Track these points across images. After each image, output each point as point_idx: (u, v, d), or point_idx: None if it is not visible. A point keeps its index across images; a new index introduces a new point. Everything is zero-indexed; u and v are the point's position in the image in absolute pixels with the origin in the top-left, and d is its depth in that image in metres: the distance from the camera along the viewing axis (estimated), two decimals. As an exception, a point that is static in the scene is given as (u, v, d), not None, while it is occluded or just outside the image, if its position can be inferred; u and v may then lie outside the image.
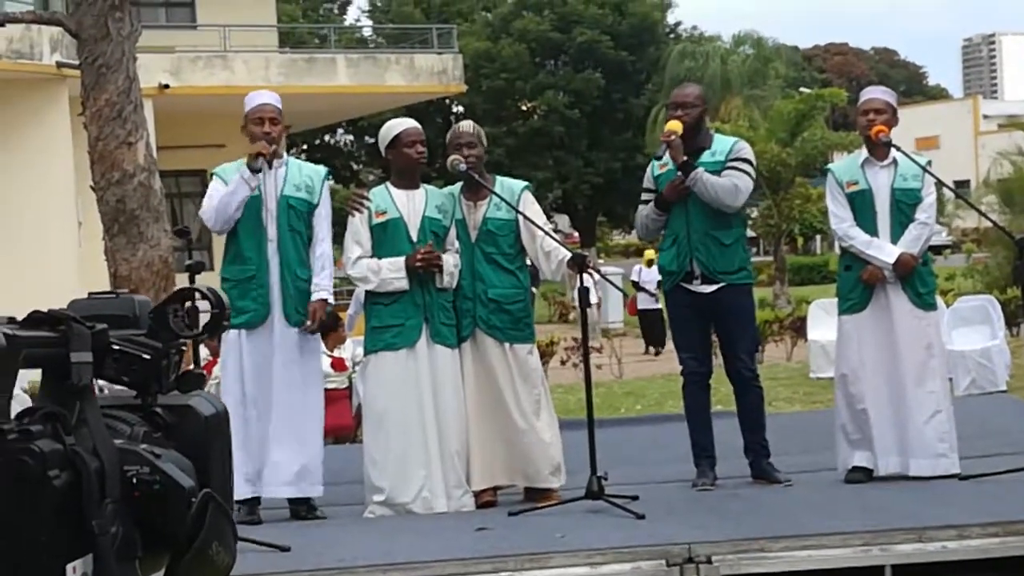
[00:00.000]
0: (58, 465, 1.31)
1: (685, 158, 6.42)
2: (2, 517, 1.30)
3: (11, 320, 1.37)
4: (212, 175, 6.36)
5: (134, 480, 1.37)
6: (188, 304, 1.47)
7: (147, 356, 1.44)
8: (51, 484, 1.30)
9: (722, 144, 6.66)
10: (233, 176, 6.23)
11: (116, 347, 1.43)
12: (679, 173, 6.45)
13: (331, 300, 6.39)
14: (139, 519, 1.37)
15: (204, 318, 1.60)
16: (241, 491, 6.09)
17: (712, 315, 6.56)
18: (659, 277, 17.62)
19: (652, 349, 20.32)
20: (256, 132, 6.22)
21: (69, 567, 1.32)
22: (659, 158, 6.47)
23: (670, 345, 16.98)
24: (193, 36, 23.48)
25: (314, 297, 6.26)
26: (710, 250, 6.47)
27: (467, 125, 6.69)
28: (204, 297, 1.52)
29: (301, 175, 6.38)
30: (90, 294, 1.51)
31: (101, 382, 1.45)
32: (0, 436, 1.30)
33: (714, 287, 6.48)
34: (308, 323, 6.26)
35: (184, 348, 1.51)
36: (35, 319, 1.38)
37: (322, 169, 6.62)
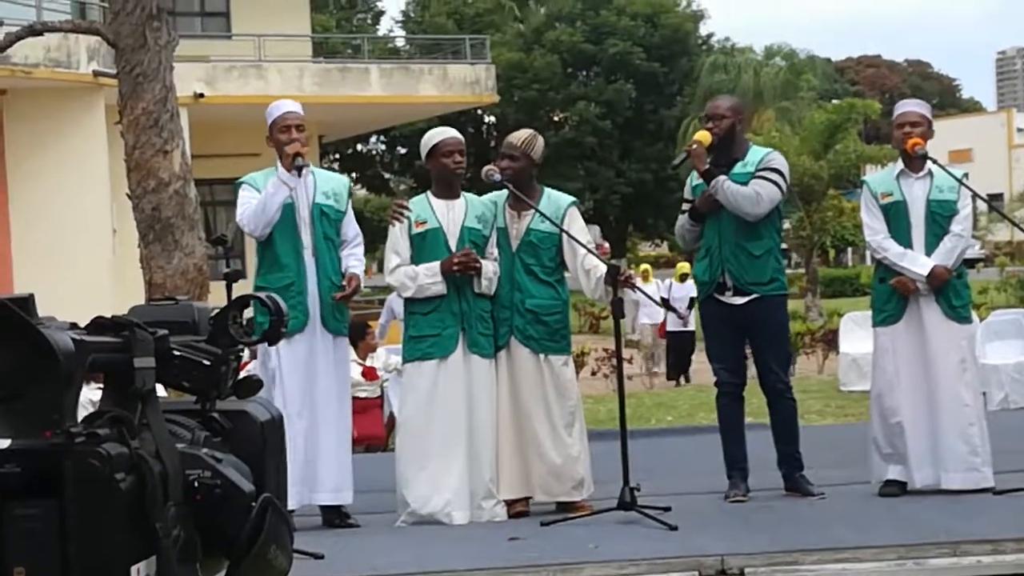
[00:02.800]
0: (124, 468, 1.33)
1: (707, 167, 6.43)
2: (70, 519, 1.32)
3: (74, 325, 1.39)
4: (240, 184, 6.40)
5: (196, 484, 1.39)
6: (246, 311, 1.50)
7: (207, 362, 1.46)
8: (117, 487, 1.32)
9: (756, 155, 6.66)
10: (262, 184, 6.29)
11: (177, 352, 1.45)
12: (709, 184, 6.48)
13: (362, 277, 6.42)
14: (200, 522, 1.39)
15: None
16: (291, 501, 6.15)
17: (745, 327, 6.55)
18: (692, 293, 17.49)
19: (675, 378, 17.98)
20: (283, 139, 6.27)
21: (133, 569, 1.34)
22: (675, 167, 6.50)
23: (700, 356, 16.93)
24: (228, 46, 23.65)
25: (349, 271, 6.33)
26: (740, 261, 6.47)
27: (516, 137, 6.59)
28: (263, 305, 1.54)
29: (329, 184, 6.46)
30: (150, 300, 1.54)
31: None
32: (68, 439, 1.32)
33: (745, 299, 6.48)
34: (344, 292, 6.28)
35: (242, 354, 1.53)
36: (99, 324, 1.41)
37: (345, 179, 6.74)
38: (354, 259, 6.40)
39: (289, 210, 6.27)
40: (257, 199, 6.25)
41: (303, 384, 6.24)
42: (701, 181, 6.58)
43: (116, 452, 1.35)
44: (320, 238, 6.30)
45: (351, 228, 6.46)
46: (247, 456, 1.46)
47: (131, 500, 1.35)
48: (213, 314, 1.51)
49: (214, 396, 1.49)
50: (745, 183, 6.45)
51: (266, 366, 6.31)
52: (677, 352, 18.09)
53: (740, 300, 6.47)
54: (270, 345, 2.94)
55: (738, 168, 6.50)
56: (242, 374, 5.88)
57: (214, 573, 1.45)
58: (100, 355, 1.38)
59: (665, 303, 19.10)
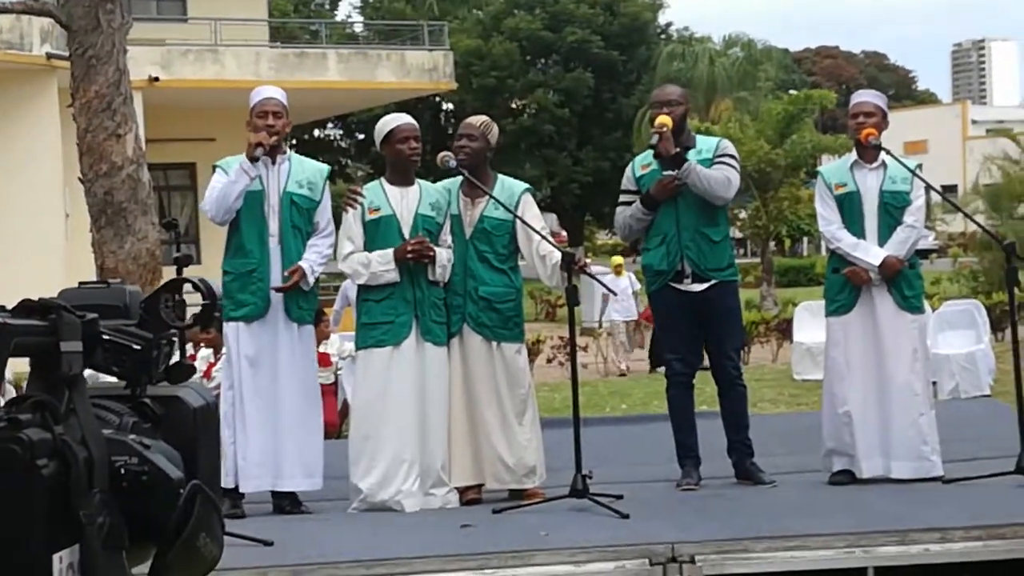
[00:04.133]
0: (46, 454, 1.30)
1: (677, 150, 6.43)
2: (-10, 506, 1.29)
3: (1, 308, 1.37)
4: (215, 167, 6.37)
5: (122, 471, 1.37)
6: (178, 295, 1.47)
7: (137, 346, 1.44)
8: (39, 473, 1.30)
9: (706, 143, 6.69)
10: (235, 168, 6.25)
11: (106, 337, 1.43)
12: (671, 170, 6.44)
13: (310, 275, 6.29)
14: (127, 510, 1.37)
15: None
16: (251, 484, 6.16)
17: (700, 314, 6.56)
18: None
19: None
20: (258, 125, 6.23)
21: (55, 557, 1.32)
22: (653, 146, 6.44)
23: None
24: (184, 29, 23.48)
25: (300, 262, 6.24)
26: (700, 248, 6.48)
27: (475, 118, 6.65)
28: (196, 288, 1.52)
29: (304, 172, 6.39)
30: (81, 283, 1.51)
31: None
32: (-12, 424, 1.30)
33: (704, 285, 6.50)
34: (284, 284, 6.19)
35: (175, 339, 1.51)
36: (25, 307, 1.38)
37: (324, 167, 6.64)
38: (314, 251, 6.32)
39: (258, 196, 6.23)
40: (220, 185, 6.23)
41: (265, 371, 6.21)
42: (646, 171, 6.58)
43: (39, 438, 1.33)
44: (288, 226, 6.26)
45: (323, 217, 6.41)
46: (179, 442, 1.44)
47: (54, 487, 1.32)
48: (144, 298, 1.48)
49: (145, 381, 1.47)
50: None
51: (230, 352, 6.29)
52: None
53: (699, 287, 6.49)
54: (202, 330, 2.91)
55: (692, 156, 6.51)
56: (214, 372, 5.82)
57: (141, 561, 1.42)
58: (24, 339, 1.35)
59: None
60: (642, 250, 6.85)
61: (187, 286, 1.54)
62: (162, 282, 1.52)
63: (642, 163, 6.67)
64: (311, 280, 6.30)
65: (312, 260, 6.29)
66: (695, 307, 6.51)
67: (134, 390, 1.47)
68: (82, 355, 1.40)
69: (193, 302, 1.59)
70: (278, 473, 6.21)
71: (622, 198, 6.70)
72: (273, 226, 6.26)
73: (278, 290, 6.21)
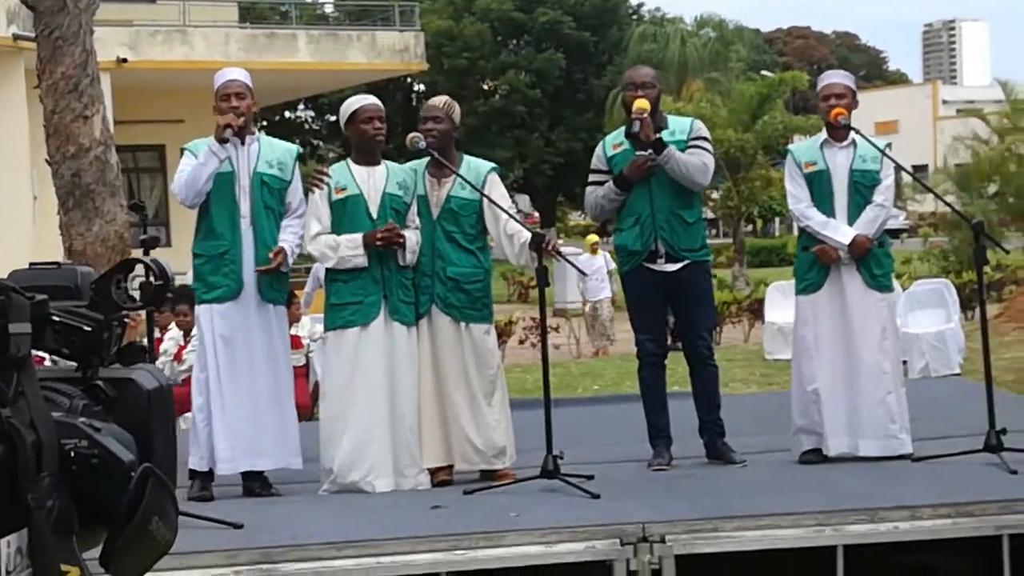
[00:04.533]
0: (-7, 437, 1.28)
1: (658, 136, 6.41)
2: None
3: (-51, 291, 1.34)
4: (183, 151, 6.34)
5: (72, 454, 1.35)
6: (140, 277, 1.45)
7: (88, 328, 1.42)
8: (-15, 456, 1.28)
9: (680, 124, 6.69)
10: (204, 151, 6.21)
11: (56, 318, 1.40)
12: (646, 152, 6.42)
13: (291, 256, 6.29)
14: (77, 493, 1.35)
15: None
16: (226, 466, 6.14)
17: (673, 294, 6.57)
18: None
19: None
20: (223, 108, 6.21)
21: (3, 541, 1.30)
22: (635, 134, 6.40)
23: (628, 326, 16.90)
24: (152, 10, 23.28)
25: (280, 243, 6.23)
26: (675, 228, 6.48)
27: (438, 100, 6.64)
28: (148, 268, 1.50)
29: (274, 152, 6.37)
30: (31, 264, 1.49)
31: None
32: (-66, 407, 1.27)
33: (678, 265, 6.50)
34: (268, 265, 6.18)
35: (127, 320, 1.48)
36: (-28, 289, 1.35)
37: (294, 147, 6.63)
38: (290, 231, 6.31)
39: (228, 177, 6.20)
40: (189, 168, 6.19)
41: (238, 353, 6.19)
42: (618, 151, 6.56)
43: (-15, 421, 1.30)
44: (259, 207, 6.23)
45: (295, 197, 6.38)
46: (133, 425, 1.41)
47: (1, 470, 1.30)
48: (95, 279, 1.46)
49: (96, 363, 1.44)
50: (681, 151, 6.46)
51: (202, 334, 6.26)
52: None
53: (673, 267, 6.49)
54: (155, 310, 2.89)
55: (666, 137, 6.50)
56: (184, 354, 5.84)
57: (92, 545, 1.40)
58: (-29, 321, 1.33)
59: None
60: (614, 230, 6.84)
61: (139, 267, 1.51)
62: (118, 260, 1.50)
63: (613, 143, 6.65)
64: (291, 262, 6.30)
65: (290, 241, 6.29)
66: (668, 287, 6.51)
67: (85, 372, 1.45)
68: (31, 337, 1.38)
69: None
70: (255, 453, 6.19)
71: (592, 178, 6.68)
72: (244, 207, 6.23)
73: (261, 271, 6.18)
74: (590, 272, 17.47)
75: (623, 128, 6.70)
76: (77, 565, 1.37)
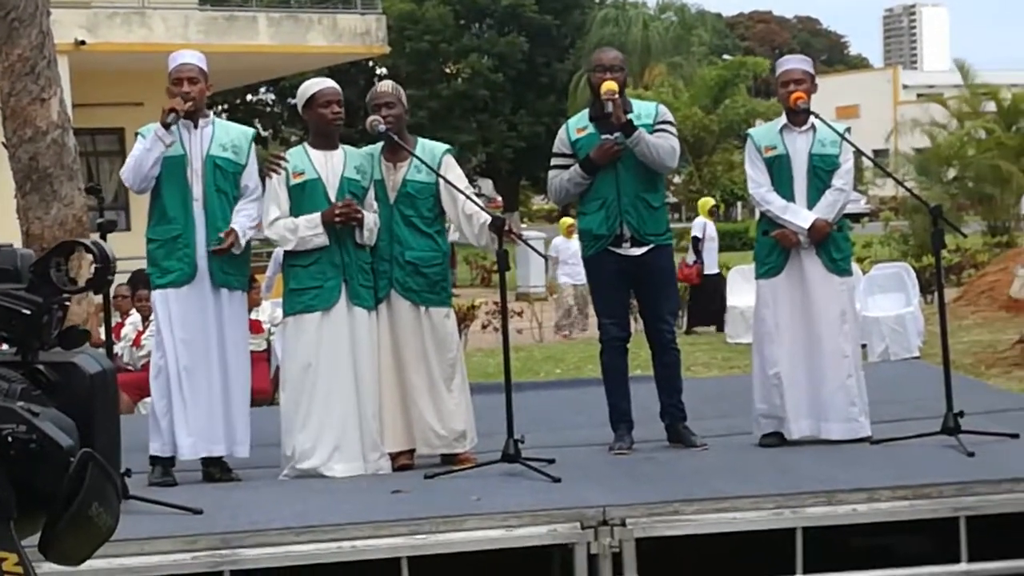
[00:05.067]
0: (-73, 423, 1.26)
1: (628, 118, 6.40)
2: None
3: None
4: (137, 135, 6.27)
5: (9, 439, 1.32)
6: (84, 259, 1.43)
7: (27, 311, 1.39)
8: (-81, 442, 1.25)
9: (645, 108, 6.69)
10: (150, 136, 6.15)
11: (-7, 301, 1.38)
12: (612, 135, 6.41)
13: (242, 238, 6.22)
14: (14, 479, 1.32)
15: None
16: (185, 451, 6.11)
17: (636, 278, 6.57)
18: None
19: (705, 324, 16.42)
20: (174, 92, 6.15)
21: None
22: (606, 116, 6.36)
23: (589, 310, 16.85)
24: (111, -8, 23.05)
25: (232, 225, 6.18)
26: (640, 213, 6.48)
27: (386, 84, 6.61)
28: (88, 250, 1.47)
29: (228, 136, 6.31)
30: (-20, 247, 1.45)
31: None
32: None
33: (643, 249, 6.50)
34: (219, 245, 6.13)
35: (68, 303, 1.46)
36: (-91, 271, 1.33)
37: (249, 131, 6.58)
38: (243, 214, 6.26)
39: (180, 161, 6.15)
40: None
41: (194, 337, 6.14)
42: (582, 135, 6.55)
43: (-82, 406, 1.27)
44: (212, 190, 6.18)
45: (251, 180, 6.33)
46: (74, 410, 1.39)
47: (-65, 456, 1.27)
48: (34, 261, 1.43)
49: (36, 347, 1.42)
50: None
51: (159, 319, 6.21)
52: (714, 296, 16.08)
53: (638, 251, 6.49)
54: (96, 294, 2.86)
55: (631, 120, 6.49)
56: (143, 339, 5.80)
57: (31, 532, 1.38)
58: (-96, 303, 1.30)
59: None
60: (578, 214, 6.83)
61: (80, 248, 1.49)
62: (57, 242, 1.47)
63: (577, 126, 6.63)
64: (243, 243, 6.23)
65: (242, 224, 6.23)
66: (632, 271, 6.52)
67: (25, 356, 1.42)
68: (-32, 320, 1.35)
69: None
70: (212, 440, 6.16)
71: (555, 161, 6.67)
72: (197, 190, 6.18)
73: (213, 251, 6.13)
74: (566, 256, 17.27)
75: (586, 111, 6.68)
76: (15, 551, 1.35)
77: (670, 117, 6.72)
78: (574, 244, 17.38)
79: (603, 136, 6.47)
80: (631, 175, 6.47)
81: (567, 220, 18.03)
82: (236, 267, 6.29)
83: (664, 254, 6.64)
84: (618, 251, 6.51)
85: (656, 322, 6.65)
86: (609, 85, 6.40)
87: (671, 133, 6.59)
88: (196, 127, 6.19)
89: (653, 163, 6.46)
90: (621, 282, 6.59)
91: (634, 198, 6.48)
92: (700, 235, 16.60)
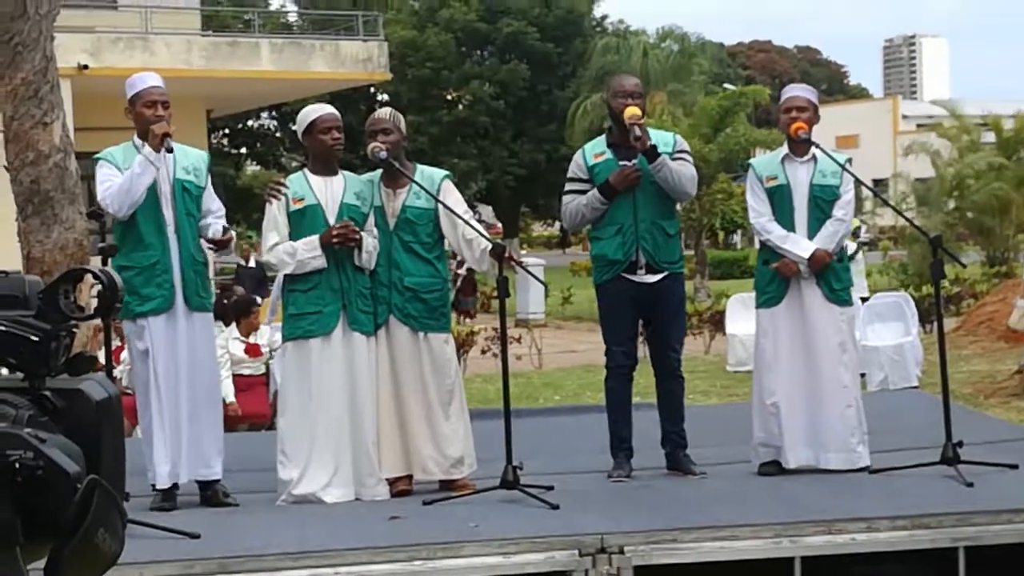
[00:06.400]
0: (-65, 449, 1.26)
1: (653, 143, 6.41)
2: None
3: None
4: (97, 160, 6.21)
5: (16, 465, 1.33)
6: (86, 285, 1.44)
7: (35, 338, 1.40)
8: (-72, 468, 1.26)
9: (661, 137, 6.67)
10: (121, 160, 6.11)
11: (3, 328, 1.39)
12: (630, 161, 6.40)
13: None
14: (21, 505, 1.33)
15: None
16: (163, 479, 6.06)
17: (649, 305, 6.56)
18: None
19: None
20: (148, 115, 6.10)
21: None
22: (636, 139, 6.35)
23: (589, 337, 16.84)
24: (114, 17, 23.15)
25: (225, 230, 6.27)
26: (656, 240, 6.50)
27: (384, 112, 6.62)
28: (96, 278, 1.48)
29: (188, 159, 6.29)
30: (-11, 272, 1.46)
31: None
32: None
33: (657, 277, 6.51)
34: (221, 238, 6.20)
35: (76, 330, 1.47)
36: (-82, 298, 1.34)
37: (204, 153, 6.56)
38: (214, 218, 6.28)
39: (151, 187, 6.09)
40: (121, 178, 6.07)
41: (175, 362, 6.11)
42: (599, 160, 6.55)
43: (-73, 432, 1.28)
44: (182, 214, 6.16)
45: (214, 202, 6.33)
46: (81, 436, 1.40)
47: (-57, 482, 1.28)
48: (43, 288, 1.44)
49: (43, 373, 1.43)
50: None
51: (135, 347, 6.17)
52: None
53: (652, 278, 6.50)
54: (103, 320, 2.86)
55: None
56: (123, 356, 5.75)
57: (37, 558, 1.38)
58: (-85, 330, 1.31)
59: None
60: (592, 239, 6.81)
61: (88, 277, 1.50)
62: (66, 270, 1.48)
63: (594, 151, 6.63)
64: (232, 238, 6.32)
65: (221, 224, 6.28)
66: (644, 299, 6.51)
67: (32, 382, 1.43)
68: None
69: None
70: (192, 464, 6.12)
71: (571, 186, 6.65)
72: (168, 215, 6.14)
73: (210, 242, 6.17)
74: None
75: (603, 137, 6.70)
76: (21, 578, 1.36)
77: (687, 146, 6.75)
78: None
79: (621, 162, 6.47)
80: (648, 202, 6.49)
81: None
82: (207, 290, 6.30)
83: (677, 282, 6.66)
84: (632, 278, 6.51)
85: (665, 349, 6.65)
86: (634, 110, 6.40)
87: (689, 162, 6.62)
88: (169, 154, 6.15)
89: (673, 190, 6.48)
90: (633, 309, 6.58)
91: (650, 224, 6.49)
92: None
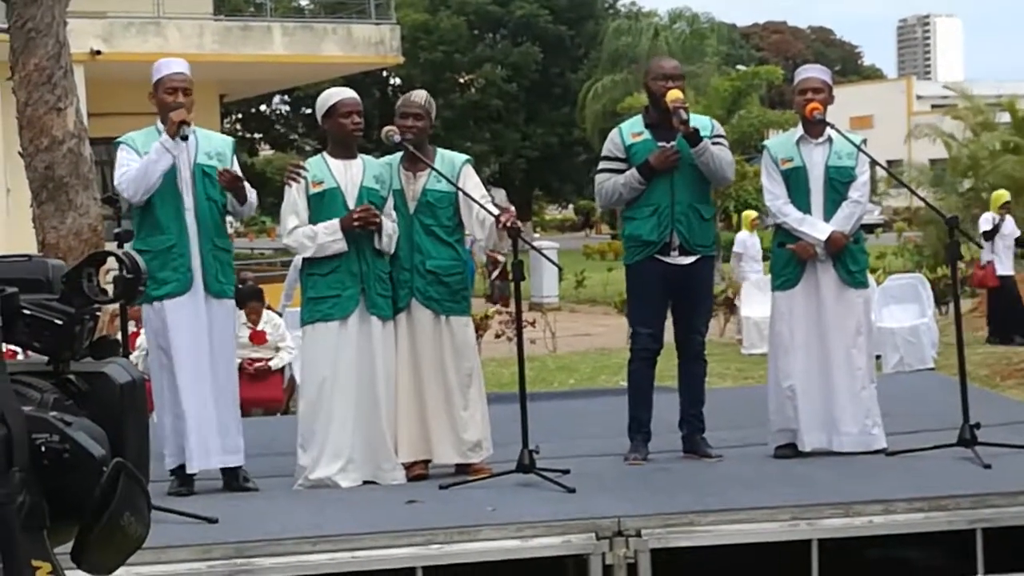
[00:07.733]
0: (-37, 432, 1.26)
1: (696, 128, 6.39)
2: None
3: (-83, 283, 1.32)
4: (118, 144, 6.21)
5: (43, 448, 1.33)
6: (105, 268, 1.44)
7: (59, 321, 1.40)
8: (-45, 452, 1.26)
9: (701, 121, 6.62)
10: (141, 145, 6.12)
11: (27, 311, 1.39)
12: (668, 143, 6.38)
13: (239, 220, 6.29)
14: (48, 488, 1.33)
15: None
16: (194, 464, 6.08)
17: (679, 287, 6.53)
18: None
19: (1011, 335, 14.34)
20: (168, 102, 6.10)
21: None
22: (682, 122, 6.31)
23: (604, 320, 16.85)
24: (126, 2, 23.11)
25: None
26: (691, 222, 6.48)
27: (419, 95, 6.54)
28: (120, 262, 1.48)
29: (211, 144, 6.29)
30: (1, 257, 1.47)
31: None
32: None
33: (691, 259, 6.49)
34: (225, 176, 6.14)
35: (99, 314, 1.47)
36: (-58, 282, 1.34)
37: (229, 139, 6.56)
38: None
39: (170, 172, 6.09)
40: (138, 163, 6.07)
41: (193, 348, 6.11)
42: (637, 140, 6.51)
43: (-46, 415, 1.28)
44: (202, 199, 6.15)
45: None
46: (105, 419, 1.40)
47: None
48: (66, 272, 1.44)
49: (67, 357, 1.43)
50: None
51: (153, 331, 6.17)
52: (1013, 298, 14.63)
53: (686, 260, 6.48)
54: (127, 304, 2.87)
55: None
56: (139, 341, 5.75)
57: (63, 541, 1.39)
58: (-60, 314, 1.31)
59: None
60: (625, 219, 6.78)
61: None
62: (89, 253, 1.48)
63: (632, 131, 6.60)
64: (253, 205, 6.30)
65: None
66: (675, 281, 6.49)
67: (56, 366, 1.43)
68: (1, 330, 1.36)
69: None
70: (212, 451, 6.13)
71: (605, 165, 6.61)
72: (188, 200, 6.13)
73: (221, 177, 6.09)
74: (753, 252, 16.60)
75: (639, 116, 6.67)
76: (48, 561, 1.36)
77: (723, 131, 6.76)
78: (759, 240, 16.47)
79: (659, 143, 6.45)
80: (686, 184, 6.47)
81: (751, 213, 17.33)
82: (227, 276, 6.27)
83: (708, 265, 6.67)
84: (665, 259, 6.48)
85: (690, 332, 6.64)
86: (676, 93, 6.37)
87: (726, 146, 6.61)
88: (185, 143, 6.15)
89: (713, 174, 6.46)
90: (663, 291, 6.54)
91: (687, 207, 6.47)
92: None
